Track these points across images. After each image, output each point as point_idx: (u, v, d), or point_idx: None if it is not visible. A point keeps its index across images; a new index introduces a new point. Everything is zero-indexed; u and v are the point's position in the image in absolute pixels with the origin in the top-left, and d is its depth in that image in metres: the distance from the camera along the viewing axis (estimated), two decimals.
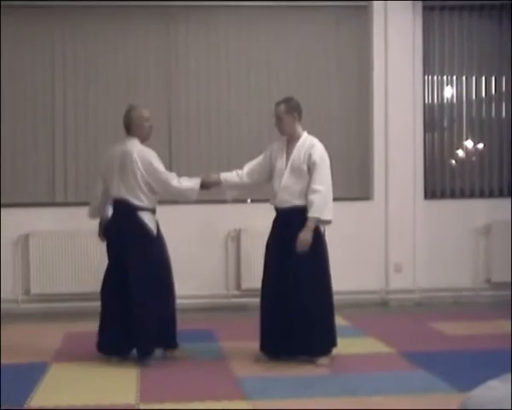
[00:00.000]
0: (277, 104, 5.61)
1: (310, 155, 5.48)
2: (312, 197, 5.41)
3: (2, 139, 7.94)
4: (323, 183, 5.44)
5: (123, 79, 8.14)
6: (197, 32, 8.21)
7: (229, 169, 6.17)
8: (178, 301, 7.94)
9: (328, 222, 5.49)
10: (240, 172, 5.79)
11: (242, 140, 8.19)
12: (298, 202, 5.48)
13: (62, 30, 8.04)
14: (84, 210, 7.96)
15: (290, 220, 5.48)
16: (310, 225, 5.41)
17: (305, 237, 5.41)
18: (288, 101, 5.62)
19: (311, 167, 5.47)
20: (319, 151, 5.51)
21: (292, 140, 5.60)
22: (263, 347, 5.65)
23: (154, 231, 5.81)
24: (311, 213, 5.41)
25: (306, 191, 5.45)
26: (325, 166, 5.49)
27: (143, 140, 5.75)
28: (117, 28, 8.13)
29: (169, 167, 8.09)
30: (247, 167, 5.78)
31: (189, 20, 8.19)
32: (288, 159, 5.56)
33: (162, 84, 8.18)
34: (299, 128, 5.61)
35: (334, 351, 5.61)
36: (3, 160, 7.95)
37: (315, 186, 5.42)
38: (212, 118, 8.23)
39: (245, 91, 8.23)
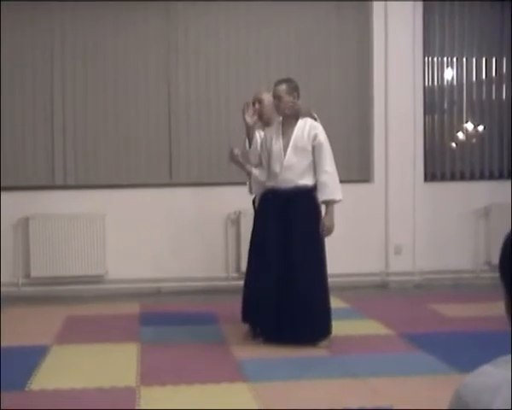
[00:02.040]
0: (278, 83, 5.58)
1: (316, 136, 5.48)
2: (325, 179, 5.44)
3: (2, 123, 7.92)
4: (331, 163, 5.50)
5: (122, 65, 8.10)
6: (197, 18, 8.16)
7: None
8: (178, 284, 8.03)
9: (340, 201, 5.54)
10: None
11: (242, 127, 8.13)
12: (301, 181, 5.49)
13: (62, 14, 7.97)
14: (84, 193, 8.02)
15: (293, 201, 5.47)
16: (331, 209, 5.50)
17: (330, 222, 5.48)
18: (288, 81, 5.61)
19: (316, 148, 5.48)
20: (323, 132, 5.53)
21: (287, 121, 5.58)
22: (260, 330, 5.64)
23: (256, 206, 5.88)
24: (328, 196, 5.46)
25: (311, 171, 5.48)
26: (329, 146, 5.53)
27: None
28: (117, 14, 8.07)
29: (169, 155, 8.13)
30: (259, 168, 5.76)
31: (189, 7, 8.14)
32: (286, 139, 5.55)
33: (162, 71, 8.13)
34: (298, 109, 5.59)
35: (335, 333, 5.61)
36: (3, 143, 7.92)
37: (326, 167, 5.45)
38: (212, 105, 8.19)
39: (245, 78, 8.18)
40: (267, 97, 5.91)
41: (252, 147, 5.84)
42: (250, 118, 5.82)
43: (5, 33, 7.86)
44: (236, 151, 5.95)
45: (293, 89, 5.56)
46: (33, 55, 7.98)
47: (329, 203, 5.50)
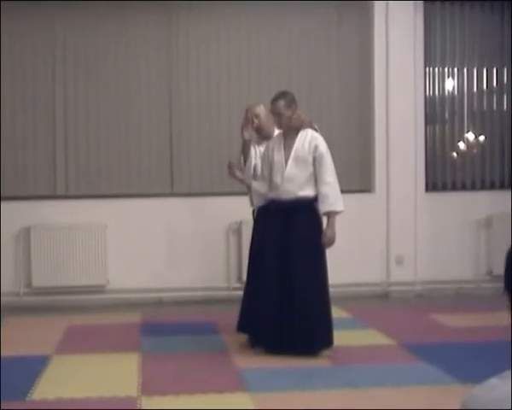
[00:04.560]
0: (275, 100, 5.57)
1: (316, 147, 5.48)
2: (326, 190, 5.43)
3: (3, 132, 7.93)
4: (332, 174, 5.49)
5: (124, 71, 8.12)
6: (198, 24, 8.19)
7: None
8: (179, 294, 8.03)
9: (341, 212, 5.52)
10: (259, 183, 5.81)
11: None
12: (301, 192, 5.49)
13: (63, 22, 8.01)
14: (85, 203, 8.02)
15: (292, 212, 5.48)
16: (332, 221, 5.49)
17: (332, 234, 5.47)
18: (285, 95, 5.60)
19: (317, 159, 5.48)
20: (323, 143, 5.53)
21: (289, 133, 5.59)
22: (260, 341, 5.63)
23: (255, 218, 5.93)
24: (328, 207, 5.45)
25: (312, 182, 5.48)
26: (330, 157, 5.52)
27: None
28: (118, 20, 8.10)
29: (170, 165, 8.14)
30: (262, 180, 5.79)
31: (191, 13, 8.17)
32: (287, 151, 5.56)
33: (163, 76, 8.16)
34: (302, 120, 5.60)
35: (336, 343, 5.60)
36: (4, 153, 7.93)
37: (327, 178, 5.45)
38: (213, 114, 8.21)
39: (246, 84, 8.21)
40: (262, 110, 5.95)
41: (247, 163, 5.91)
42: (248, 134, 5.88)
43: (5, 44, 7.88)
44: (234, 167, 5.99)
45: (291, 102, 5.57)
46: (34, 63, 8.00)
47: (330, 214, 5.50)
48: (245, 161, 5.98)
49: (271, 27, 8.26)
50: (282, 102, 5.54)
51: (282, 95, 5.61)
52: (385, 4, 8.25)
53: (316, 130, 5.69)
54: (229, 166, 6.09)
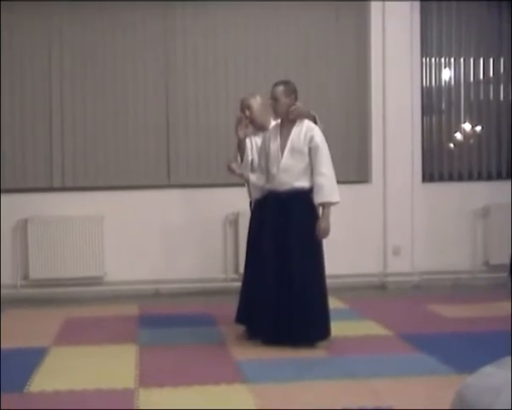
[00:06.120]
0: (275, 85, 5.58)
1: (312, 137, 5.47)
2: (321, 181, 5.41)
3: (1, 125, 7.91)
4: (328, 165, 5.46)
5: (120, 67, 8.10)
6: (195, 19, 8.17)
7: (227, 159, 6.24)
8: (176, 286, 8.03)
9: (336, 203, 5.51)
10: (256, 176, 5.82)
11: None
12: (297, 183, 5.48)
13: (60, 15, 7.98)
14: (82, 195, 8.01)
15: (289, 203, 5.47)
16: (327, 212, 5.45)
17: (326, 225, 5.44)
18: (286, 83, 5.61)
19: (313, 149, 5.46)
20: (319, 134, 5.51)
21: (286, 123, 5.58)
22: (257, 333, 5.64)
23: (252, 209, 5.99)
24: (323, 199, 5.42)
25: (308, 173, 5.46)
26: (326, 148, 5.50)
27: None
28: (114, 14, 8.07)
29: (167, 157, 8.13)
30: (259, 172, 5.79)
31: (187, 8, 8.14)
32: (284, 141, 5.55)
33: (160, 73, 8.14)
34: (299, 112, 5.58)
35: (334, 333, 5.61)
36: (2, 146, 7.92)
37: (322, 169, 5.42)
38: (210, 106, 8.19)
39: (243, 79, 8.19)
40: (255, 102, 5.96)
41: (244, 159, 5.91)
42: (242, 132, 5.86)
43: (4, 36, 7.87)
44: (233, 166, 5.98)
45: (291, 91, 5.55)
46: (32, 58, 7.98)
47: (325, 205, 5.48)
48: (241, 159, 5.98)
49: (269, 22, 8.24)
50: (280, 88, 5.54)
51: (283, 82, 5.62)
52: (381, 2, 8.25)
53: (315, 120, 5.67)
54: (229, 166, 6.07)
